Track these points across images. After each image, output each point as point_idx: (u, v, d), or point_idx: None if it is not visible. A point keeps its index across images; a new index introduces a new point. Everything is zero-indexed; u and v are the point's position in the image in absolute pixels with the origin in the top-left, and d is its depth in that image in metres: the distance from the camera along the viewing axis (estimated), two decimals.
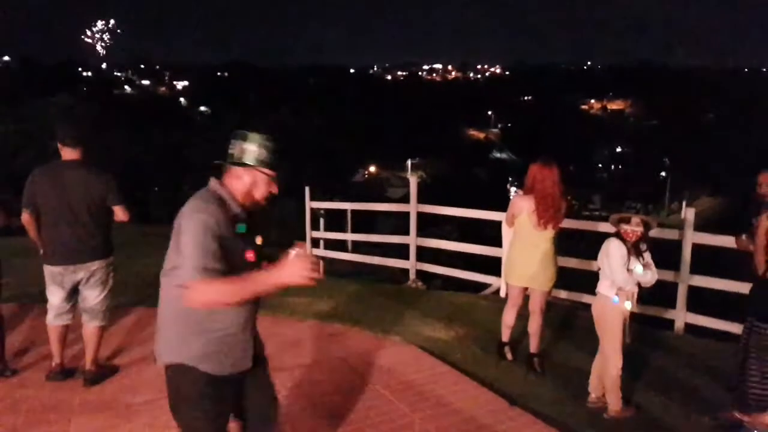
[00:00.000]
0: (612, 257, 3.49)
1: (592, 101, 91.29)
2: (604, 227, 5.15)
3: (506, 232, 5.92)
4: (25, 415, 3.64)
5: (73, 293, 4.01)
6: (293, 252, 2.03)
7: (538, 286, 4.21)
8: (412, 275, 7.49)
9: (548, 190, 3.98)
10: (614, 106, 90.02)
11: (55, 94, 29.80)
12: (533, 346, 4.36)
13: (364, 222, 14.30)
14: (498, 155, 70.03)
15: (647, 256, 3.59)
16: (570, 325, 5.41)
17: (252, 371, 2.33)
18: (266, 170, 2.18)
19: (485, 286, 7.07)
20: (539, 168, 4.04)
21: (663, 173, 55.69)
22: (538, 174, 4.02)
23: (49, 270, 3.90)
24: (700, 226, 5.45)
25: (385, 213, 14.22)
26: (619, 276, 3.47)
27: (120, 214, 3.92)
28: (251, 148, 2.16)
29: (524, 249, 4.15)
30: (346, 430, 3.42)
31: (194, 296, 2.02)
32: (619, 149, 67.53)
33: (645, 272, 3.51)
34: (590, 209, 44.51)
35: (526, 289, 4.31)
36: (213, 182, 2.22)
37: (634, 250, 3.53)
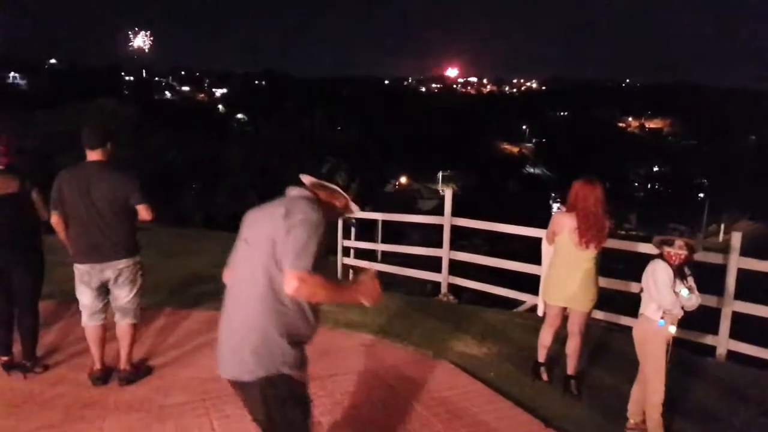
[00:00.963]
0: (659, 280, 3.38)
1: (630, 119, 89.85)
2: (644, 248, 5.02)
3: (546, 250, 5.79)
4: (62, 411, 3.70)
5: (104, 293, 4.06)
6: (367, 274, 2.22)
7: (578, 306, 4.10)
8: (443, 288, 7.41)
9: (591, 209, 3.89)
10: (652, 124, 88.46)
11: (98, 97, 30.67)
12: (570, 367, 4.25)
13: (394, 233, 14.29)
14: (531, 170, 69.37)
15: (691, 279, 3.48)
16: (606, 347, 5.27)
17: None
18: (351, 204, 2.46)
19: (517, 302, 6.96)
20: (582, 185, 3.95)
21: (701, 194, 54.34)
22: (580, 191, 3.93)
23: (77, 269, 3.97)
24: (741, 250, 5.25)
25: (412, 224, 14.15)
26: (668, 299, 3.36)
27: (143, 213, 3.96)
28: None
29: (564, 268, 4.06)
30: None
31: (303, 286, 2.06)
32: (656, 168, 66.21)
33: (690, 296, 3.40)
34: (626, 228, 43.67)
35: (565, 309, 4.21)
36: (301, 191, 2.35)
37: (679, 273, 3.42)
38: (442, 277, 7.48)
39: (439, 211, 7.65)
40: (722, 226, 44.41)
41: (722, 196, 49.55)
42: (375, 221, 9.25)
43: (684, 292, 3.37)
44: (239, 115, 74.52)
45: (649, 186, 63.60)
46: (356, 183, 2.52)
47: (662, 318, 3.42)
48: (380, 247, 9.74)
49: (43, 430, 3.46)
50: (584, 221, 3.89)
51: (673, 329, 3.44)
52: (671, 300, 3.35)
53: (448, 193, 8.05)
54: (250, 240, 2.24)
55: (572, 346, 4.21)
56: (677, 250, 3.40)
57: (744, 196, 49.46)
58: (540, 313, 6.13)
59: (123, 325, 4.12)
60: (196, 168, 29.48)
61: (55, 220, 3.97)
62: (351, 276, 8.75)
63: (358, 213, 2.40)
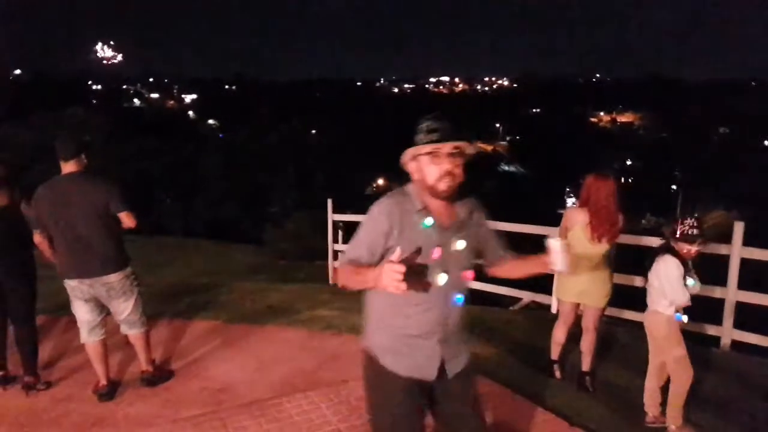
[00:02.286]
0: (672, 277, 3.38)
1: (602, 114, 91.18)
2: (625, 239, 4.94)
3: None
4: (70, 430, 3.56)
5: (100, 306, 3.93)
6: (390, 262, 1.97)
7: (592, 302, 4.09)
8: None
9: (603, 203, 3.88)
10: (624, 118, 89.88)
11: (67, 107, 30.01)
12: (585, 364, 4.24)
13: None
14: (506, 168, 69.97)
15: (691, 264, 3.50)
16: (611, 341, 5.28)
17: (445, 385, 2.20)
18: (423, 147, 2.03)
19: (509, 300, 6.95)
20: (594, 180, 3.94)
21: (674, 186, 55.45)
22: (592, 186, 3.93)
23: (67, 284, 3.83)
24: (717, 239, 5.30)
25: None
26: (682, 296, 3.37)
27: (126, 220, 3.81)
28: (415, 138, 2.07)
29: (577, 263, 4.04)
30: None
31: (337, 278, 2.17)
32: (629, 162, 67.35)
33: (695, 284, 3.44)
34: None
35: (578, 305, 4.20)
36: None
37: (687, 266, 3.44)
38: None
39: None
40: (695, 216, 45.13)
41: (695, 188, 50.55)
42: (359, 224, 9.18)
43: (690, 282, 3.40)
44: (210, 121, 73.73)
45: (622, 180, 64.69)
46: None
47: (677, 311, 3.45)
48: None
49: None
50: (596, 216, 3.88)
51: (686, 318, 3.50)
52: (686, 297, 3.37)
53: None
54: None
55: (587, 343, 4.21)
56: (695, 248, 3.40)
57: (717, 187, 50.57)
58: (553, 310, 6.12)
59: (132, 334, 4.05)
60: (171, 176, 29.06)
61: (38, 239, 3.84)
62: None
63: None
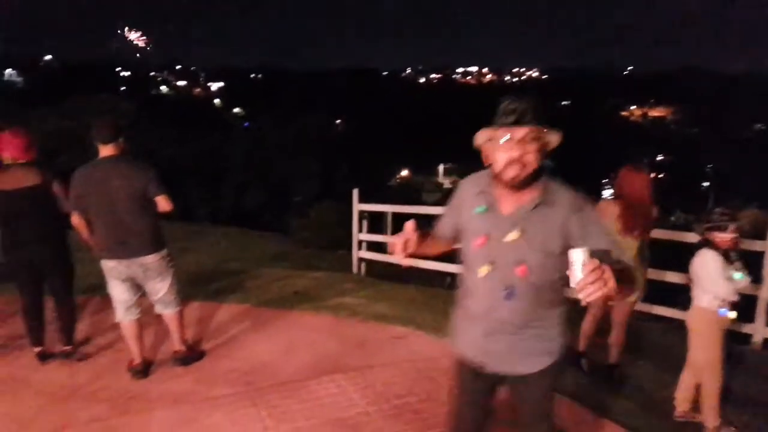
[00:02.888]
0: (711, 270, 3.33)
1: (633, 108, 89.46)
2: (658, 234, 4.89)
3: None
4: (107, 404, 3.67)
5: (136, 286, 4.03)
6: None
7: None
8: None
9: (636, 195, 3.84)
10: (656, 113, 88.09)
11: (97, 94, 30.51)
12: (613, 357, 4.23)
13: (401, 226, 14.15)
14: None
15: (737, 260, 3.42)
16: (639, 336, 5.24)
17: (510, 384, 2.13)
18: (496, 129, 1.85)
19: None
20: (627, 172, 3.91)
21: (706, 183, 54.31)
22: (626, 178, 3.89)
23: (105, 264, 3.92)
24: (752, 237, 5.18)
25: (420, 216, 14.05)
26: (724, 289, 3.32)
27: (163, 203, 3.90)
28: (493, 118, 1.89)
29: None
30: None
31: None
32: (660, 157, 66.05)
33: (743, 278, 3.35)
34: None
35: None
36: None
37: (728, 257, 3.37)
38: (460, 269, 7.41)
39: (443, 203, 7.49)
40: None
41: (727, 184, 49.41)
42: (383, 214, 9.17)
43: (736, 275, 3.33)
44: (236, 110, 74.31)
45: (653, 175, 63.58)
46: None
47: (722, 307, 3.38)
48: (391, 239, 9.65)
49: (92, 423, 3.43)
50: (629, 208, 3.85)
51: (733, 314, 3.42)
52: (728, 289, 3.31)
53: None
54: None
55: (615, 336, 4.19)
56: (729, 235, 3.34)
57: (750, 184, 49.36)
58: (583, 303, 6.07)
59: (167, 314, 4.15)
60: (197, 163, 29.39)
61: (76, 220, 3.93)
62: (363, 269, 8.72)
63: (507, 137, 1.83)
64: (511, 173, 1.84)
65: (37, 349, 4.31)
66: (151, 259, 3.91)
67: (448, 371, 4.15)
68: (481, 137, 1.92)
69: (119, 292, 3.99)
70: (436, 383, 4.02)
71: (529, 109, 1.81)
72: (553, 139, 1.87)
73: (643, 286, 4.08)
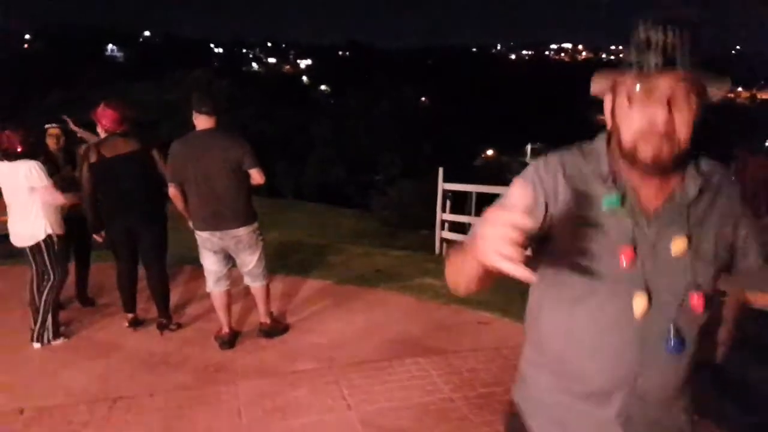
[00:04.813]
0: None
1: (740, 89, 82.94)
2: None
3: None
4: (193, 373, 3.77)
5: (227, 257, 4.10)
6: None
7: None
8: None
9: (761, 179, 3.45)
10: (765, 95, 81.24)
11: (192, 69, 31.91)
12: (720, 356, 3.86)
13: (484, 207, 13.81)
14: None
15: None
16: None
17: None
18: (627, 73, 1.07)
19: None
20: (750, 157, 3.52)
21: None
22: (751, 163, 3.50)
23: (198, 236, 3.99)
24: None
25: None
26: None
27: (257, 176, 3.92)
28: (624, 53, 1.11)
29: None
30: None
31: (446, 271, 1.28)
32: None
33: None
34: None
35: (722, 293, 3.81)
36: None
37: None
38: None
39: None
40: None
41: None
42: (467, 194, 8.93)
43: None
44: (323, 87, 75.47)
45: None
46: None
47: None
48: (475, 220, 9.41)
49: (179, 390, 3.53)
50: (754, 193, 3.46)
51: None
52: None
53: None
54: None
55: (723, 334, 3.82)
56: None
57: None
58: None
59: (255, 287, 4.21)
60: (285, 139, 30.16)
61: (172, 191, 4.00)
62: (445, 250, 8.50)
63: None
64: (648, 150, 1.07)
65: (130, 316, 4.50)
66: (243, 232, 3.95)
67: None
68: (602, 80, 1.15)
69: (211, 263, 4.07)
70: None
71: (686, 41, 1.02)
72: (720, 90, 1.08)
73: None
